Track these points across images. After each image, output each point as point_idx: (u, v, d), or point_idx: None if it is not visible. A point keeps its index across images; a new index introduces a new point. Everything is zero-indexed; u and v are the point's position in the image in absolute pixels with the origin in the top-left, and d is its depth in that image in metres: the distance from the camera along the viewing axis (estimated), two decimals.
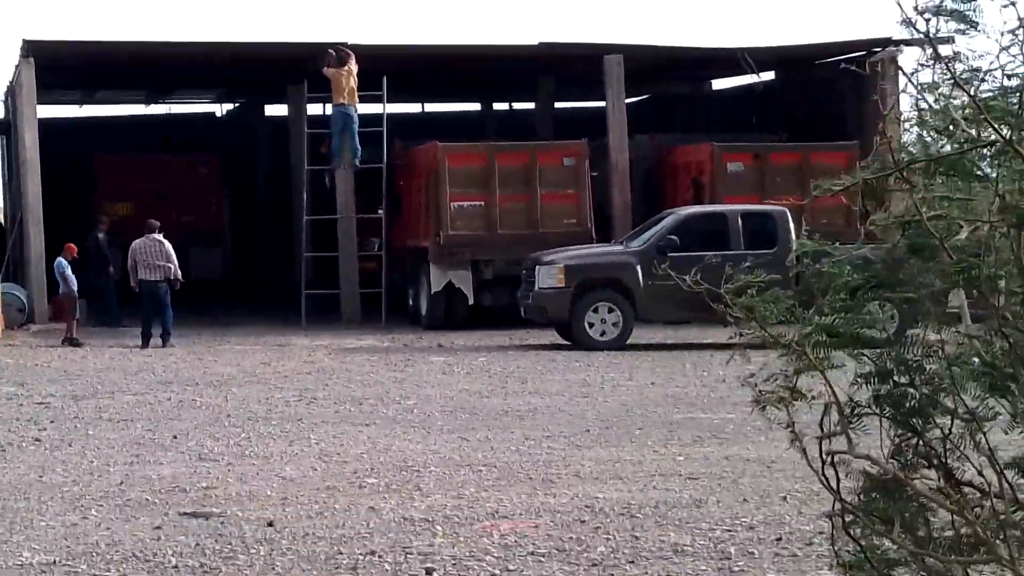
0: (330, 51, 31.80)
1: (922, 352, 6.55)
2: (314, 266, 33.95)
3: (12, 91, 36.19)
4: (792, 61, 35.49)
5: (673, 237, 25.38)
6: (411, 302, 31.45)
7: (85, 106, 48.08)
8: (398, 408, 17.56)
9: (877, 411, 6.56)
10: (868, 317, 6.62)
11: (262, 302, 37.58)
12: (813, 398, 6.37)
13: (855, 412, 6.59)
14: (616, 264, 25.86)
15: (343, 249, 32.91)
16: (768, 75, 38.28)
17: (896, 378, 6.55)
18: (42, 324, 30.45)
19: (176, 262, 26.81)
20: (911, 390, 6.52)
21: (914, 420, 6.40)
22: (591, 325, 25.53)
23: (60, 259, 27.85)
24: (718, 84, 43.05)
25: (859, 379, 6.64)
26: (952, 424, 6.38)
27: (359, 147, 32.28)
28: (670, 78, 42.20)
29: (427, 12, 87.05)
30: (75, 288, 27.76)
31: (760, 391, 6.50)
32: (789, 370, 6.54)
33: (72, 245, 28.46)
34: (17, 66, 32.71)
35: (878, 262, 6.62)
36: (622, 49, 33.13)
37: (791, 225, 24.85)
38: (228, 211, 43.37)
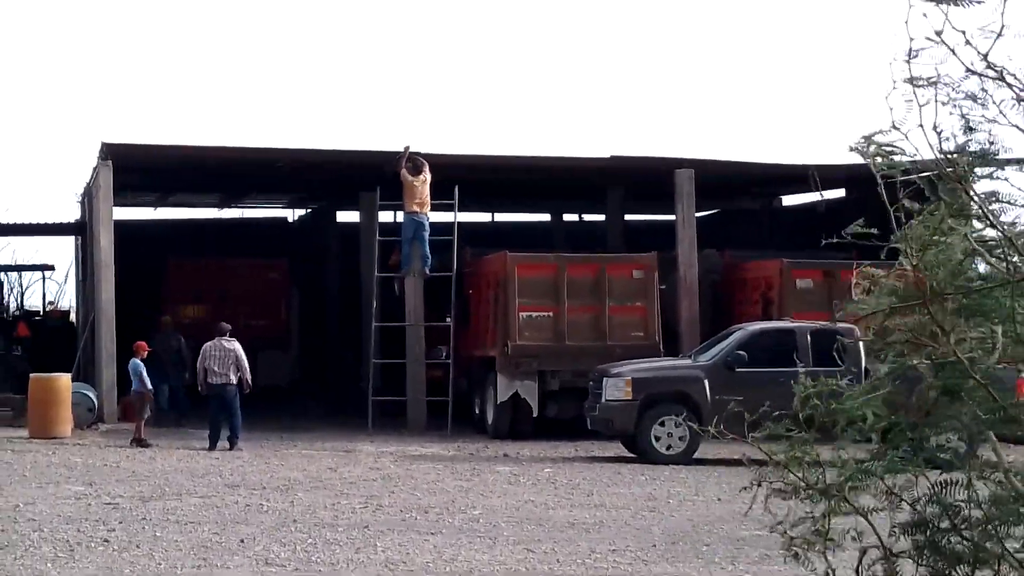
0: (407, 156, 32.00)
1: (967, 495, 6.50)
2: (382, 373, 34.07)
3: (89, 193, 36.65)
4: (862, 179, 35.47)
5: (741, 353, 25.35)
6: (477, 411, 31.46)
7: (159, 208, 48.64)
8: (464, 517, 17.55)
9: (916, 559, 6.51)
10: (900, 460, 6.61)
11: (329, 407, 37.68)
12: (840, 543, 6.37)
13: (892, 555, 6.56)
14: (683, 378, 25.82)
15: (411, 356, 33.00)
16: (839, 192, 38.32)
17: (937, 524, 6.50)
18: (111, 424, 30.63)
19: (247, 365, 26.97)
20: (953, 537, 6.46)
21: (959, 568, 6.34)
22: (657, 439, 25.47)
23: (135, 359, 27.99)
24: (788, 200, 43.14)
25: (895, 528, 6.59)
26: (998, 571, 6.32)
27: (429, 255, 32.47)
28: (740, 193, 42.33)
29: (499, 122, 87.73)
30: (149, 388, 27.91)
31: (791, 536, 6.51)
32: (816, 513, 6.53)
33: (143, 344, 28.62)
34: (95, 168, 33.15)
35: (906, 402, 6.62)
36: (692, 163, 33.26)
37: (861, 344, 24.73)
38: (297, 316, 43.61)
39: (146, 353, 28.53)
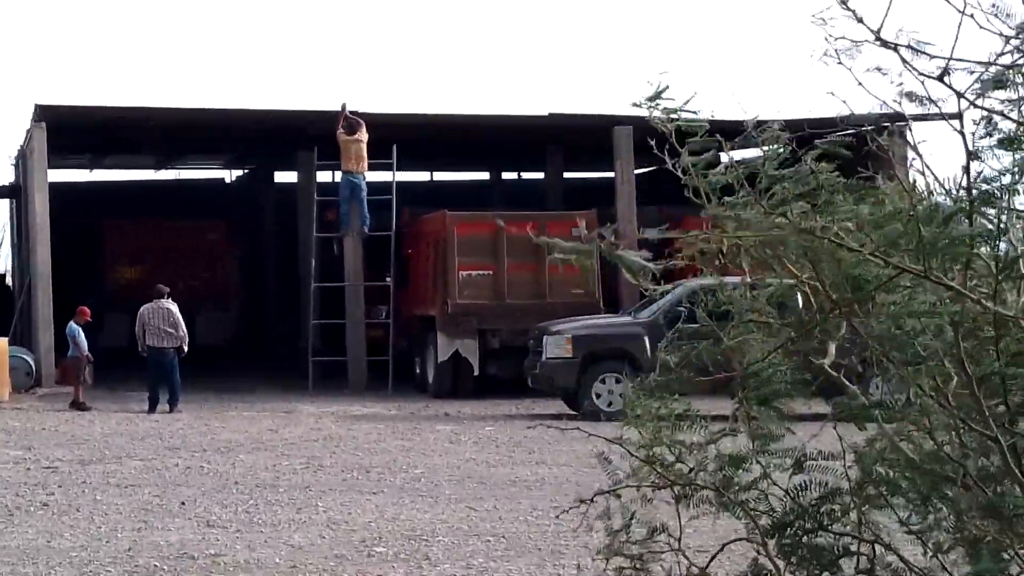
0: (344, 116, 31.92)
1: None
2: (321, 333, 34.00)
3: (23, 155, 36.34)
4: (795, 131, 35.59)
5: (681, 308, 25.39)
6: (418, 370, 31.46)
7: (95, 171, 48.28)
8: (405, 477, 17.54)
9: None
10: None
11: (268, 368, 37.59)
12: None
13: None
14: (624, 335, 25.87)
15: (350, 316, 32.95)
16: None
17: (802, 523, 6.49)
18: (49, 388, 30.47)
19: (184, 328, 26.84)
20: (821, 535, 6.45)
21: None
22: (598, 395, 25.52)
23: (72, 323, 27.84)
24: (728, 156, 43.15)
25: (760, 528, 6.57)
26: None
27: (367, 215, 32.39)
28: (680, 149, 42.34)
29: (437, 81, 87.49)
30: (85, 352, 27.74)
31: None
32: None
33: (85, 308, 28.44)
34: (28, 130, 32.87)
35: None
36: (631, 120, 33.24)
37: (799, 298, 24.84)
38: (236, 277, 43.44)
39: (87, 318, 28.32)
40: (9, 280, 46.11)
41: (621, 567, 6.78)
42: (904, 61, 5.93)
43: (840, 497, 6.50)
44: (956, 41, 5.78)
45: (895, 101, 6.16)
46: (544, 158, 40.59)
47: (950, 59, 5.86)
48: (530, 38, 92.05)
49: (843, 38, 6.02)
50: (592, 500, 7.06)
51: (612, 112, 33.69)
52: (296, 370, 33.78)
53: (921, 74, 5.93)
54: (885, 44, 5.90)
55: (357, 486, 16.68)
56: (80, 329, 27.80)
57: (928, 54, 5.89)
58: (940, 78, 5.89)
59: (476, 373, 29.80)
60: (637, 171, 34.47)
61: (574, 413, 25.81)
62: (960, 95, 5.89)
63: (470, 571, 11.51)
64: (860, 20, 5.87)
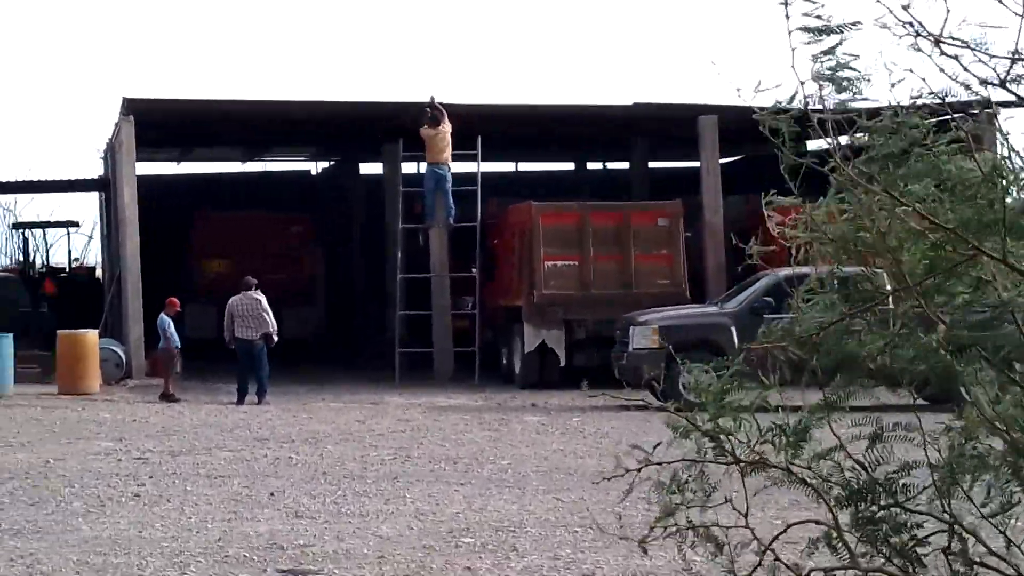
0: (426, 110, 32.02)
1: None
2: (407, 324, 34.09)
3: (112, 149, 36.66)
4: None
5: (768, 299, 25.27)
6: (504, 361, 31.48)
7: (182, 163, 48.68)
8: (493, 468, 17.56)
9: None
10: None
11: (355, 360, 37.73)
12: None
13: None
14: (710, 325, 25.76)
15: (436, 307, 33.02)
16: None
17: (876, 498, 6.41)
18: (139, 379, 30.73)
19: (273, 319, 26.97)
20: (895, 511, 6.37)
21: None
22: (685, 387, 25.42)
23: (163, 315, 28.03)
24: (814, 145, 42.87)
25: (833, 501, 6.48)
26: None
27: (453, 206, 32.44)
28: (765, 139, 42.11)
29: (522, 72, 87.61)
30: (175, 344, 27.93)
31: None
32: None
33: (175, 300, 28.65)
34: (117, 124, 33.14)
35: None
36: (716, 110, 33.11)
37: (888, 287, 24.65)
38: (322, 269, 43.61)
39: (177, 309, 28.51)
40: (99, 273, 46.60)
41: (683, 539, 6.75)
42: (964, 68, 5.89)
43: (914, 473, 6.46)
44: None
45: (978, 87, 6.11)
46: (629, 148, 40.49)
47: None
48: (614, 27, 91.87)
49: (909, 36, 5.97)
50: (639, 470, 7.05)
51: (697, 101, 33.57)
52: (383, 362, 33.88)
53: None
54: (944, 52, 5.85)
55: (444, 477, 16.71)
56: (171, 321, 28.01)
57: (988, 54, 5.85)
58: (1003, 84, 5.84)
59: (562, 364, 29.80)
60: (722, 160, 34.31)
61: (661, 403, 25.74)
62: None
63: (557, 562, 11.51)
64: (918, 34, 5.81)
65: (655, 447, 7.03)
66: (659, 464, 6.97)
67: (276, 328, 27.08)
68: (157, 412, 24.91)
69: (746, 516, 6.93)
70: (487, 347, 32.19)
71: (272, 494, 15.26)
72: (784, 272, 29.82)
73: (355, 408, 25.73)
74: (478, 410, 25.58)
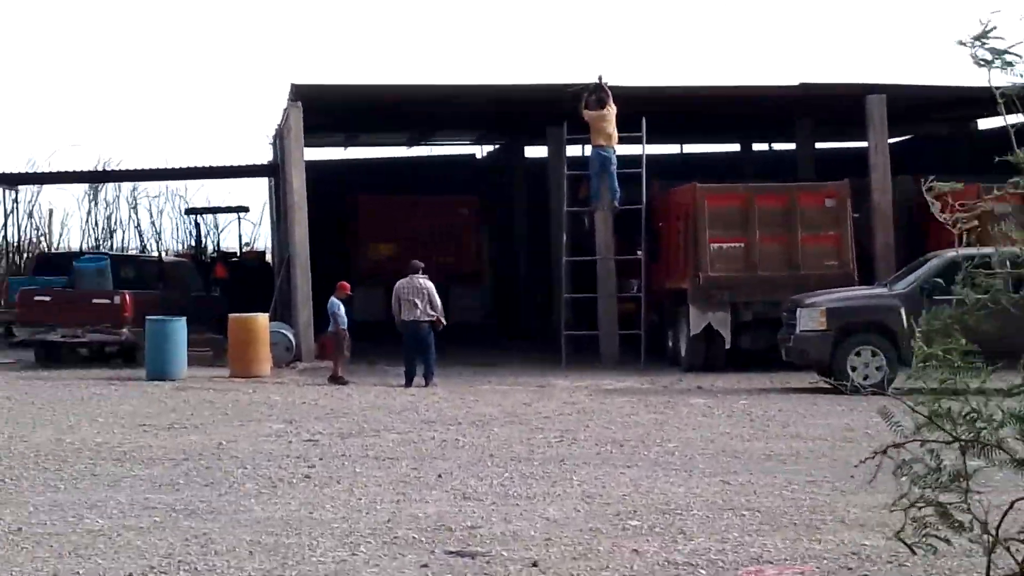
0: (588, 92, 32.01)
1: None
2: (573, 307, 34.15)
3: (280, 135, 37.14)
4: None
5: (939, 280, 24.92)
6: (670, 343, 31.41)
7: (348, 148, 49.16)
8: (659, 450, 17.54)
9: None
10: None
11: (521, 342, 37.86)
12: None
13: None
14: (880, 307, 25.47)
15: (602, 290, 33.04)
16: None
17: None
18: (309, 362, 31.13)
19: (439, 303, 27.14)
20: None
21: None
22: (854, 369, 25.20)
23: (334, 298, 28.32)
24: (985, 124, 42.21)
25: None
26: None
27: (618, 188, 32.41)
28: (934, 118, 41.55)
29: (687, 53, 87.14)
30: (344, 326, 28.21)
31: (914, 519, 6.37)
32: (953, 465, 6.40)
33: (345, 283, 28.93)
34: (285, 110, 33.56)
35: None
36: (884, 89, 32.73)
37: None
38: (487, 252, 43.83)
39: (348, 293, 28.77)
40: (269, 257, 47.26)
41: (921, 516, 6.71)
42: None
43: None
44: None
45: None
46: (794, 128, 40.15)
47: None
48: (781, 6, 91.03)
49: None
50: (885, 452, 7.03)
51: (864, 80, 33.21)
52: (549, 345, 33.97)
53: None
54: None
55: (611, 459, 16.72)
56: (340, 304, 28.30)
57: None
58: None
59: (729, 346, 29.66)
60: (891, 140, 33.88)
61: (829, 386, 25.54)
62: None
63: (725, 545, 11.47)
64: None
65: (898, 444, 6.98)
66: (899, 446, 6.94)
67: (443, 311, 27.23)
68: (326, 394, 25.21)
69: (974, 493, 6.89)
70: (652, 330, 32.14)
71: (440, 476, 15.37)
72: (953, 253, 29.45)
73: (521, 391, 25.83)
74: (644, 393, 25.56)
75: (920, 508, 6.71)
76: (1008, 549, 6.76)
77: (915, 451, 6.95)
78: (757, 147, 47.29)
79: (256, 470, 15.85)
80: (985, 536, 6.67)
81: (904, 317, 24.45)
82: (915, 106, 37.00)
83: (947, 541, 6.90)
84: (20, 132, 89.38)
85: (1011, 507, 6.95)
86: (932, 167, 37.13)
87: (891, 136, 34.03)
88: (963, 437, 6.65)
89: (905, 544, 6.75)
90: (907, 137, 43.78)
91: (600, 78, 32.22)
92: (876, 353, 25.04)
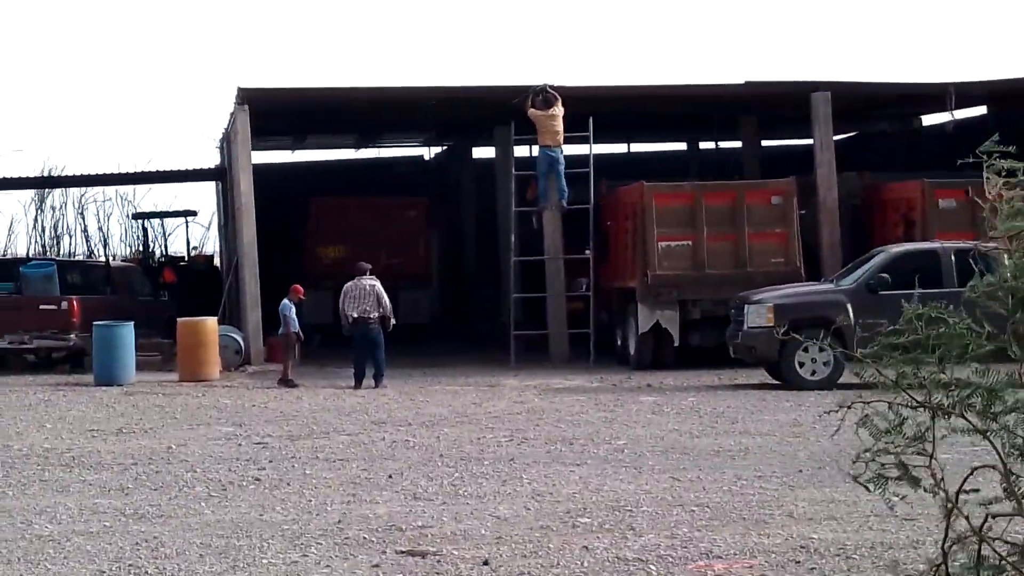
0: (534, 93, 32.07)
1: None
2: (522, 307, 34.21)
3: (227, 138, 37.07)
4: (1006, 96, 34.93)
5: (884, 275, 25.09)
6: (619, 342, 31.50)
7: (296, 151, 49.08)
8: (609, 448, 17.61)
9: None
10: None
11: (470, 343, 37.90)
12: None
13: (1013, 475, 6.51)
14: (826, 303, 25.61)
15: (551, 289, 33.11)
16: (980, 110, 37.73)
17: None
18: (258, 365, 31.08)
19: (388, 304, 27.13)
20: None
21: None
22: (801, 364, 25.34)
23: (286, 300, 28.21)
24: (928, 120, 42.50)
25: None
26: None
27: (566, 188, 32.48)
28: (877, 115, 41.82)
29: (630, 53, 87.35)
30: (296, 330, 28.10)
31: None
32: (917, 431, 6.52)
33: (299, 287, 28.78)
34: (232, 114, 33.50)
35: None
36: (828, 86, 32.90)
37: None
38: (437, 253, 43.83)
39: (301, 297, 28.60)
40: (217, 261, 47.14)
41: (881, 472, 6.84)
42: None
43: None
44: None
45: None
46: (740, 127, 40.31)
47: None
48: (723, 5, 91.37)
49: None
50: (850, 406, 7.19)
51: (808, 78, 33.38)
52: (498, 344, 34.02)
53: None
54: None
55: (561, 458, 16.79)
56: (293, 307, 28.14)
57: None
58: None
59: (677, 344, 29.77)
60: (836, 137, 34.06)
61: (776, 383, 25.68)
62: None
63: (674, 541, 11.54)
64: None
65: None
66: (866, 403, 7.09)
67: (392, 312, 27.25)
68: (276, 397, 25.19)
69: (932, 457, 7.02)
70: (602, 329, 32.22)
71: (390, 476, 15.41)
72: (898, 249, 29.70)
73: (471, 391, 25.87)
74: (593, 391, 25.64)
75: (880, 462, 6.84)
76: (967, 518, 6.90)
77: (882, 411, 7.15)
78: (704, 146, 47.42)
79: (206, 473, 15.85)
80: (943, 497, 6.79)
81: (851, 312, 24.75)
82: (859, 103, 37.22)
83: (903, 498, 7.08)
84: None
85: (971, 473, 7.11)
86: (876, 164, 37.60)
87: (836, 133, 34.20)
88: (933, 404, 6.78)
89: (863, 485, 6.88)
90: (852, 134, 44.03)
91: (547, 85, 32.27)
92: (823, 349, 25.17)
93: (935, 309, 7.05)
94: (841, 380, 25.05)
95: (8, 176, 46.45)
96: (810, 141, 33.62)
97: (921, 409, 6.95)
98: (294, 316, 28.12)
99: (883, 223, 32.29)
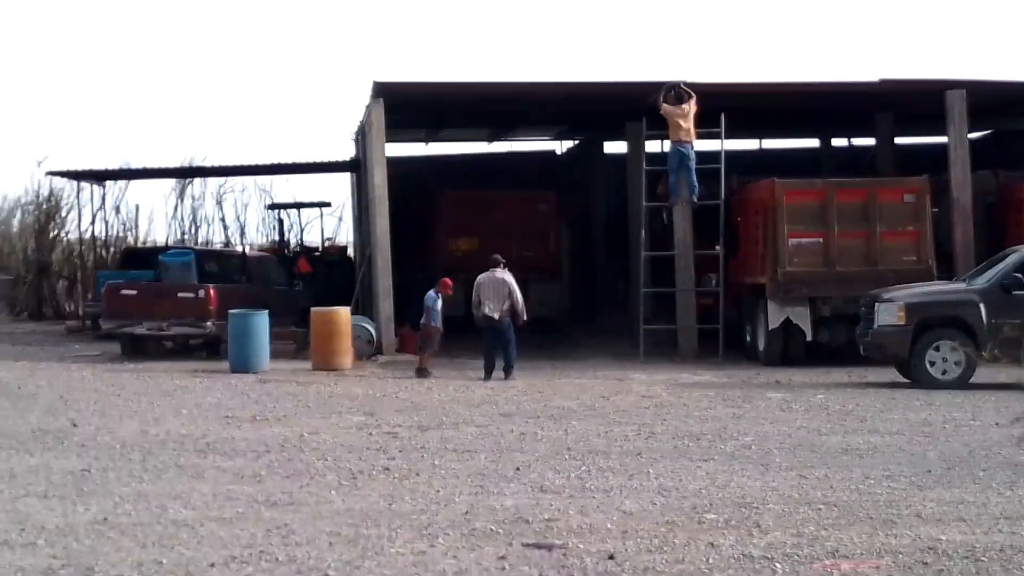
0: (667, 90, 32.06)
1: None
2: (652, 302, 34.21)
3: (363, 131, 37.37)
4: None
5: (1018, 275, 24.84)
6: (748, 338, 31.42)
7: (430, 144, 49.38)
8: (736, 444, 17.61)
9: None
10: None
11: (600, 337, 37.92)
12: None
13: None
14: (958, 302, 25.40)
15: (680, 285, 33.08)
16: None
17: None
18: (389, 356, 31.33)
19: (520, 299, 27.17)
20: None
21: None
22: (932, 364, 25.14)
23: (431, 293, 28.20)
24: None
25: None
26: None
27: (696, 184, 32.43)
28: (1014, 113, 41.28)
29: (764, 50, 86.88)
30: (437, 323, 28.15)
31: None
32: None
33: (448, 280, 28.66)
34: (368, 107, 33.78)
35: None
36: (964, 84, 32.56)
37: None
38: (567, 247, 43.87)
39: (449, 291, 28.50)
40: (351, 252, 47.54)
41: None
42: None
43: None
44: None
45: None
46: (874, 124, 39.98)
47: None
48: (859, 2, 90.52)
49: None
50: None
51: (943, 76, 33.06)
52: (627, 339, 34.03)
53: None
54: None
55: (688, 453, 16.81)
56: (438, 299, 28.13)
57: None
58: None
59: (807, 341, 29.67)
60: (971, 135, 33.71)
61: (906, 381, 25.50)
62: None
63: (801, 539, 11.55)
64: None
65: None
66: None
67: (523, 306, 27.25)
68: (406, 387, 25.37)
69: None
70: (731, 325, 32.15)
71: (518, 469, 15.50)
72: None
73: (599, 384, 25.93)
74: (722, 387, 25.59)
75: None
76: None
77: None
78: (836, 143, 47.08)
79: (337, 462, 16.04)
80: None
81: (983, 312, 24.53)
82: (995, 102, 36.79)
83: None
84: (112, 131, 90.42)
85: None
86: (1012, 162, 37.12)
87: (971, 131, 33.85)
88: None
89: None
90: (987, 132, 43.51)
91: (680, 83, 32.27)
92: (955, 348, 24.97)
93: None
94: (973, 380, 24.84)
95: (150, 166, 47.23)
96: (945, 139, 33.30)
97: None
98: (438, 309, 28.08)
99: (1017, 222, 31.93)
